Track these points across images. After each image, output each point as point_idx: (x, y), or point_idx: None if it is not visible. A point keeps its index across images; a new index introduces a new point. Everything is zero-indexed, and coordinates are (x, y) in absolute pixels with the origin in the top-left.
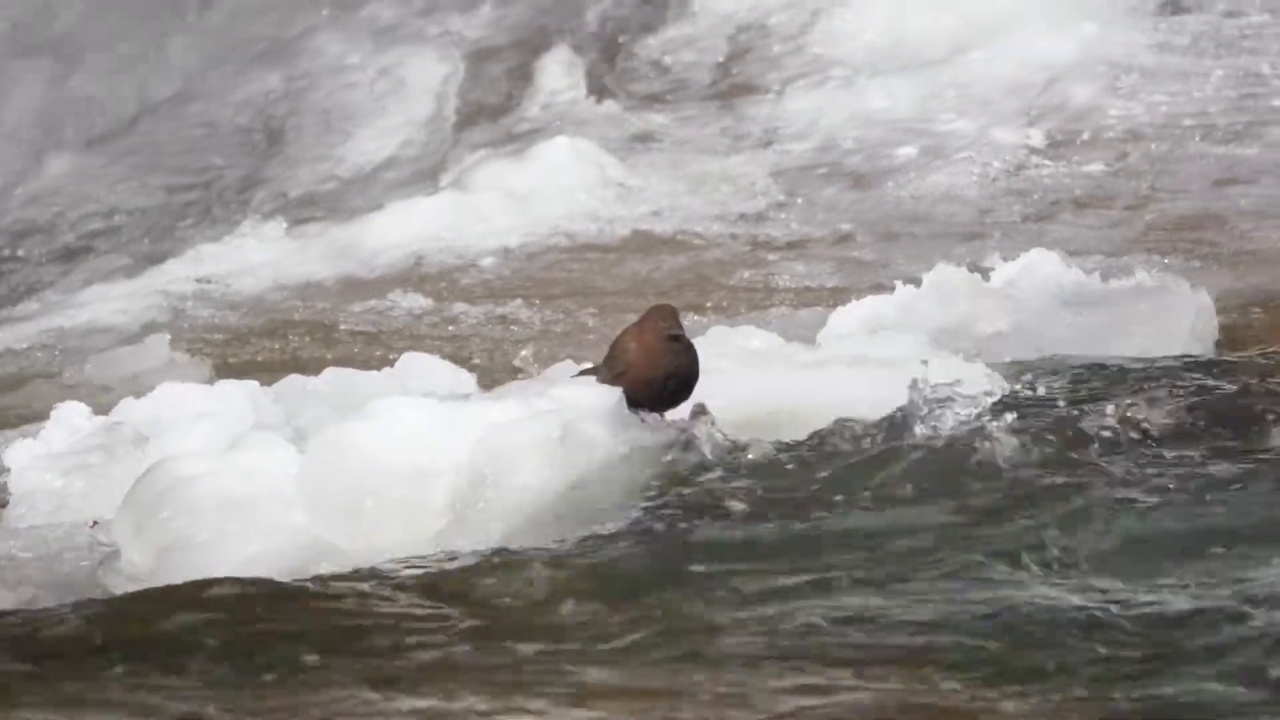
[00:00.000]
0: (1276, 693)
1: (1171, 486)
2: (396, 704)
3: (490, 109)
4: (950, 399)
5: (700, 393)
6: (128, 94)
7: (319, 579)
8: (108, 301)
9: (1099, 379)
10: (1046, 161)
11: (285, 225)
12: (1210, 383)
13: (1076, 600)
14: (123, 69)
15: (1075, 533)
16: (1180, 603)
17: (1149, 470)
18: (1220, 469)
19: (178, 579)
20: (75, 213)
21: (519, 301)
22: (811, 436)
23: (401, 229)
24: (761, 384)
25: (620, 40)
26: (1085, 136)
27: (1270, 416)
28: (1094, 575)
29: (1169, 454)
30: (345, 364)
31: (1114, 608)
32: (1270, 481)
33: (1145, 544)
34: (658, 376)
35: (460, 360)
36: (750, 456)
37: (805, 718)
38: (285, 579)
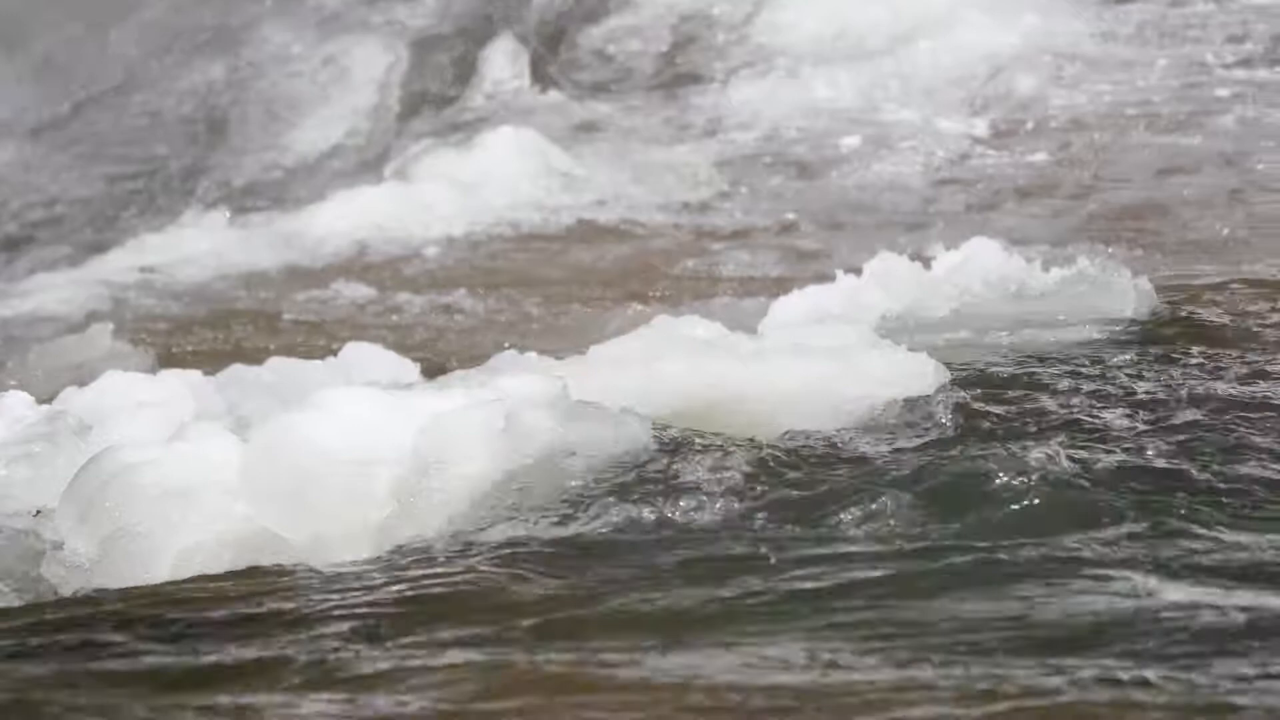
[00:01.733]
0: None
1: (1108, 462)
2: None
3: (434, 98)
4: (892, 387)
5: (644, 382)
6: (70, 83)
7: (258, 569)
8: (51, 291)
9: (1039, 365)
10: (990, 151)
11: (229, 215)
12: (1147, 368)
13: (1014, 586)
14: (65, 58)
15: (1016, 512)
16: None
17: (1088, 448)
18: (1156, 446)
19: (120, 568)
20: (17, 202)
21: (463, 291)
22: (753, 426)
23: (345, 218)
24: (704, 373)
25: (564, 30)
26: (1029, 126)
27: (1200, 396)
28: (1030, 552)
29: (1106, 432)
30: (289, 353)
31: (1042, 579)
32: (1204, 456)
33: (1082, 515)
34: None
35: (404, 350)
36: (693, 446)
37: (750, 707)
38: (227, 568)
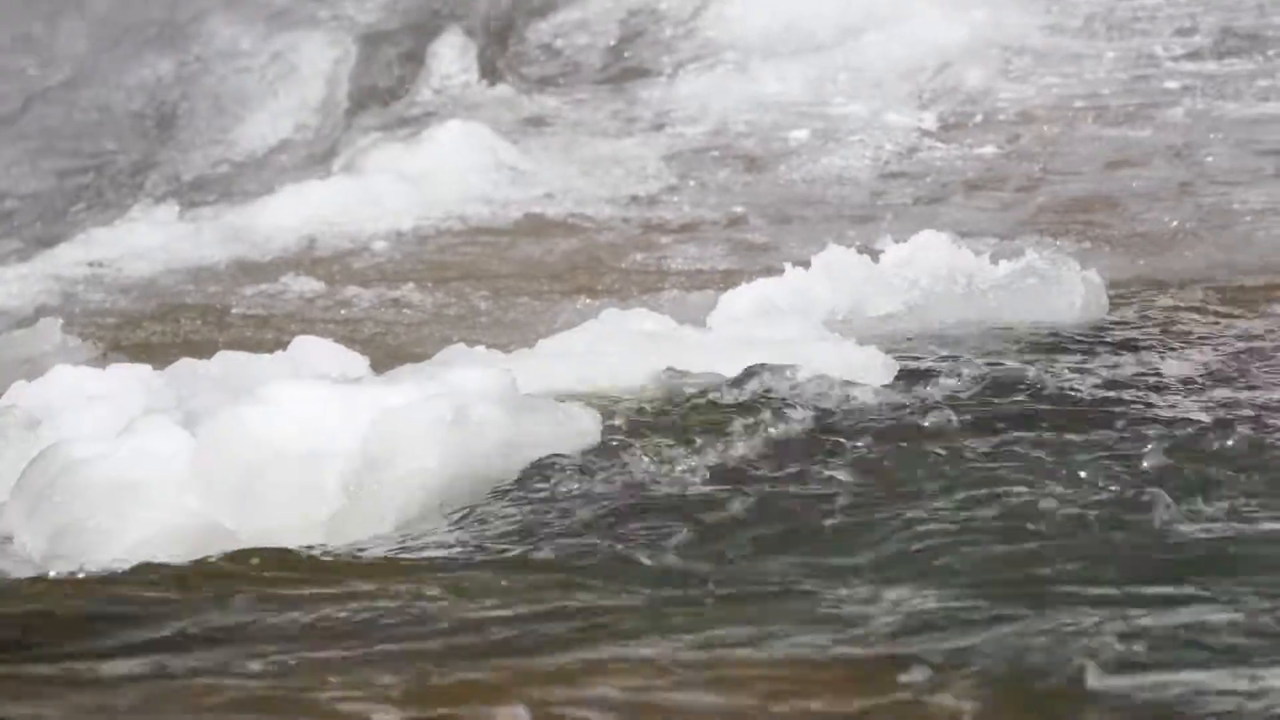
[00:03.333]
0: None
1: (1051, 456)
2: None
3: (382, 93)
4: (839, 379)
5: (592, 375)
6: (18, 79)
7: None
8: None
9: (988, 358)
10: (939, 144)
11: (177, 209)
12: (1095, 360)
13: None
14: (13, 53)
15: (956, 505)
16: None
17: (1034, 440)
18: (1103, 436)
19: (70, 563)
20: None
21: (411, 285)
22: (702, 418)
23: (294, 212)
24: (652, 366)
25: (512, 24)
26: (978, 119)
27: (1149, 387)
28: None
29: (1053, 424)
30: (237, 347)
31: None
32: (1150, 447)
33: (1019, 506)
34: None
35: (353, 343)
36: (641, 438)
37: (710, 705)
38: (177, 562)
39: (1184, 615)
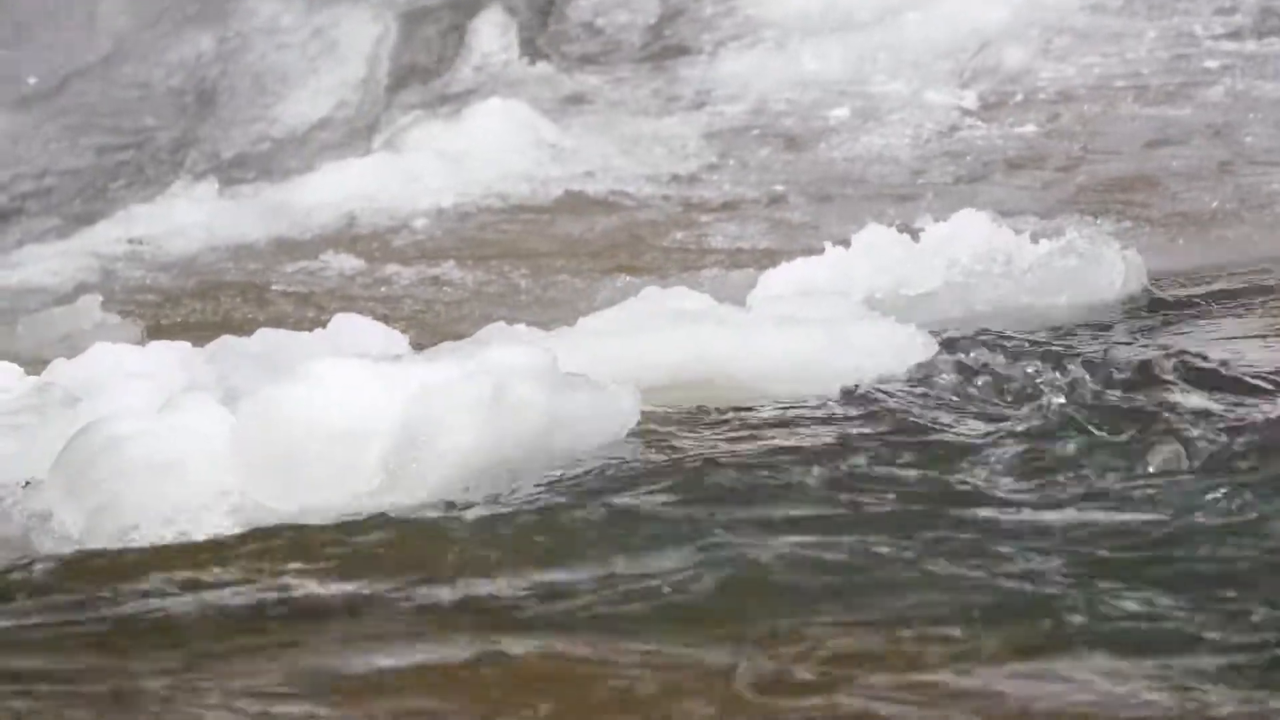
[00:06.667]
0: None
1: (1097, 433)
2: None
3: (423, 70)
4: (880, 358)
5: (633, 354)
6: (59, 55)
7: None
8: (39, 262)
9: (1028, 337)
10: (979, 123)
11: (218, 186)
12: (1136, 339)
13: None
14: (53, 29)
15: (1005, 481)
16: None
17: (1078, 418)
18: (1144, 417)
19: (108, 540)
20: (6, 174)
21: (451, 262)
22: (742, 397)
23: (334, 190)
24: (693, 345)
25: (553, 2)
26: (1018, 98)
27: (1190, 368)
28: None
29: (1096, 403)
30: (277, 325)
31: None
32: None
33: (1068, 482)
34: None
35: (393, 321)
36: (682, 418)
37: (756, 678)
38: (214, 538)
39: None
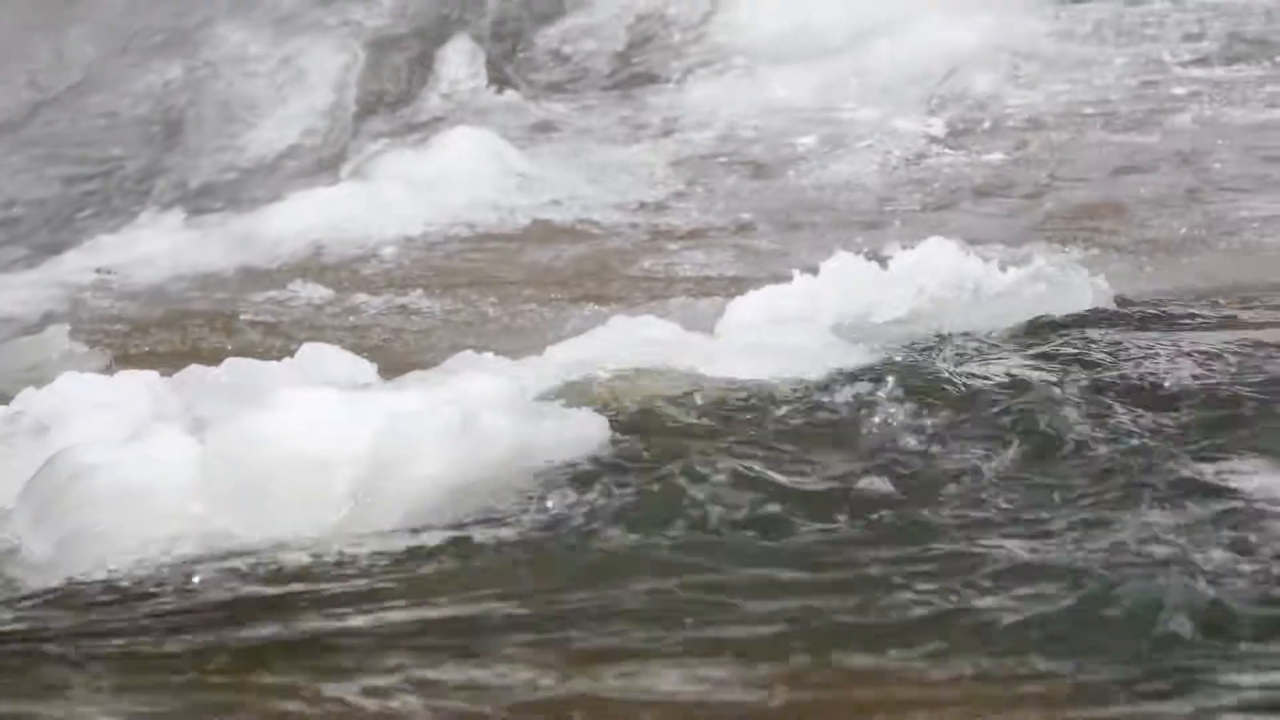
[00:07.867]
0: None
1: (1059, 463)
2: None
3: (391, 99)
4: (848, 385)
5: (601, 382)
6: (25, 84)
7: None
8: (6, 292)
9: (996, 365)
10: (947, 150)
11: (185, 215)
12: (1104, 367)
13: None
14: (20, 59)
15: (975, 507)
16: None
17: (1042, 447)
18: (1111, 446)
19: (77, 569)
20: None
21: (420, 291)
22: (710, 424)
23: (302, 219)
24: (661, 373)
25: (521, 30)
26: (986, 125)
27: (1158, 394)
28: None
29: (1061, 433)
30: (245, 354)
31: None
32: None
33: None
34: None
35: (361, 350)
36: (650, 444)
37: (708, 709)
38: (184, 568)
39: None
